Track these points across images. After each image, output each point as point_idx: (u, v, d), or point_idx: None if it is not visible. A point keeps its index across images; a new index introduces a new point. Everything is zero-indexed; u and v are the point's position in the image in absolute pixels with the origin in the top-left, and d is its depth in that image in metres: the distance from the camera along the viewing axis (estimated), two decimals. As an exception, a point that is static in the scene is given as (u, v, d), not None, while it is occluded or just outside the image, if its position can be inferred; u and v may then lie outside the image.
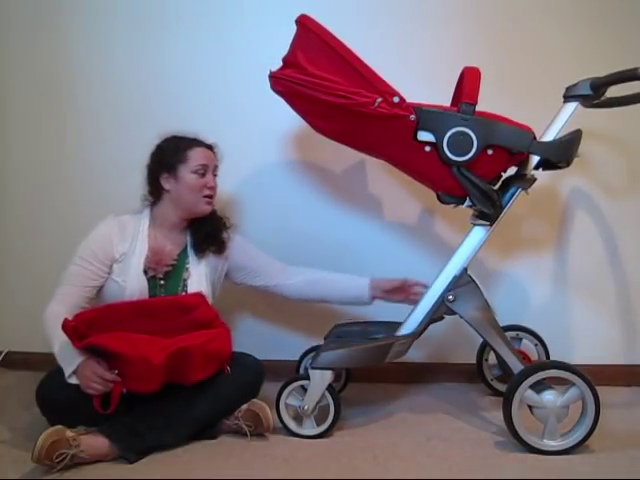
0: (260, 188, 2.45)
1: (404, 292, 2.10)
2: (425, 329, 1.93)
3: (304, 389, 1.89)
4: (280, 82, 1.79)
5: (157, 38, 2.46)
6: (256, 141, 2.42)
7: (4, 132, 2.58)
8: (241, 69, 2.42)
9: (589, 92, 1.84)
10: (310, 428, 1.90)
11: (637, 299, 2.39)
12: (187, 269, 2.04)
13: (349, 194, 2.44)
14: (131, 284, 1.94)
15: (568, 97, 1.88)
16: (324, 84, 1.69)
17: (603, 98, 1.91)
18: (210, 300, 2.03)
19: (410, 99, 1.74)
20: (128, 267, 1.96)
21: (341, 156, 2.35)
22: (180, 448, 1.81)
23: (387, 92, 1.70)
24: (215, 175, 2.07)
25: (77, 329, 1.73)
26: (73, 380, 1.75)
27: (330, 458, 1.75)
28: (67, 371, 1.75)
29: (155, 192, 2.05)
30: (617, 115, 2.01)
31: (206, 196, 2.02)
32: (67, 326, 1.72)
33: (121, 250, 1.98)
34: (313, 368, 1.87)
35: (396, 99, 1.71)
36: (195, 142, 2.04)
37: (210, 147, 2.07)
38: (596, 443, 1.75)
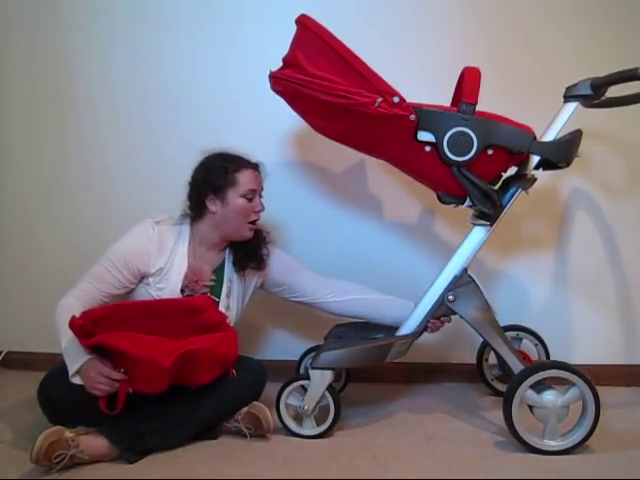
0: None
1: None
2: (425, 329, 1.94)
3: (304, 389, 1.89)
4: (280, 82, 1.79)
5: (157, 38, 2.46)
6: (256, 141, 2.40)
7: (3, 132, 2.58)
8: (241, 69, 2.42)
9: (589, 92, 1.83)
10: (310, 428, 1.90)
11: (637, 299, 2.39)
12: (229, 287, 2.03)
13: (349, 194, 2.44)
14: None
15: (568, 97, 1.88)
16: (324, 84, 1.68)
17: (603, 98, 1.90)
18: (236, 312, 2.04)
19: (410, 99, 1.74)
20: (165, 283, 1.94)
21: (341, 156, 2.35)
22: (180, 448, 1.81)
23: (387, 92, 1.70)
24: (261, 196, 2.02)
25: (84, 327, 1.72)
26: (77, 380, 1.74)
27: (330, 458, 1.75)
28: (71, 370, 1.74)
29: (198, 211, 1.99)
30: (617, 115, 2.01)
31: (251, 222, 1.98)
32: (74, 324, 1.72)
33: (158, 265, 1.93)
34: (313, 368, 1.87)
35: (396, 99, 1.71)
36: (243, 164, 1.98)
37: (257, 167, 2.02)
38: (596, 443, 1.75)
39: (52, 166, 2.56)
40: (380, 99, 1.68)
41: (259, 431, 1.87)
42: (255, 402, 1.91)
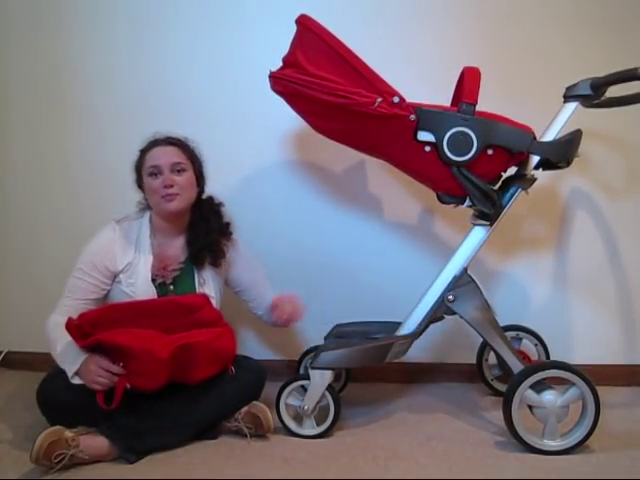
0: (260, 188, 2.45)
1: (276, 310, 2.06)
2: (425, 329, 1.93)
3: (304, 389, 1.89)
4: (280, 82, 1.79)
5: (157, 38, 2.46)
6: (256, 141, 2.42)
7: (4, 133, 2.58)
8: (241, 69, 2.42)
9: (589, 92, 1.83)
10: (310, 428, 1.90)
11: (637, 299, 2.39)
12: (200, 275, 2.02)
13: (349, 194, 2.44)
14: (140, 293, 1.92)
15: (568, 97, 1.88)
16: (324, 84, 1.69)
17: (603, 98, 1.91)
18: (216, 303, 2.03)
19: (410, 99, 1.74)
20: (136, 276, 1.95)
21: (341, 156, 2.35)
22: (180, 448, 1.81)
23: (387, 92, 1.70)
24: (178, 171, 1.97)
25: (81, 327, 1.74)
26: (76, 380, 1.74)
27: (330, 458, 1.75)
28: (70, 371, 1.75)
29: (145, 199, 2.06)
30: (617, 115, 2.01)
31: (165, 195, 1.94)
32: (71, 325, 1.73)
33: (125, 261, 1.95)
34: (313, 368, 1.87)
35: (396, 99, 1.71)
36: (153, 143, 2.01)
37: (172, 143, 2.01)
38: (596, 443, 1.75)
39: (53, 166, 2.56)
40: (380, 99, 1.68)
41: (259, 431, 1.87)
42: (255, 402, 1.91)
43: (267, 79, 1.84)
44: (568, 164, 1.87)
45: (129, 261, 1.95)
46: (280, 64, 1.84)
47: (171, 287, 1.98)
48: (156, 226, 2.03)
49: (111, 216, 2.50)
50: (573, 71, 1.91)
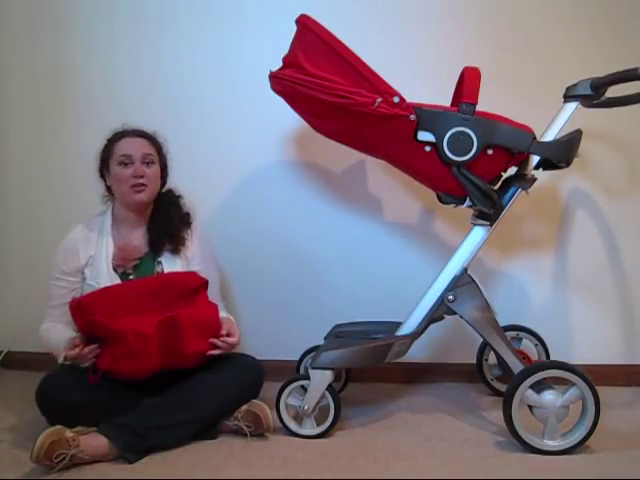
0: (260, 188, 2.45)
1: None
2: (425, 329, 1.93)
3: (304, 389, 1.89)
4: (280, 82, 1.79)
5: (157, 38, 2.46)
6: (256, 141, 2.42)
7: (5, 131, 2.58)
8: (241, 69, 2.42)
9: (589, 92, 1.84)
10: (310, 428, 1.90)
11: (637, 299, 2.39)
12: (160, 262, 2.03)
13: (349, 194, 2.44)
14: (104, 283, 1.94)
15: (568, 97, 1.88)
16: (324, 84, 1.69)
17: (603, 98, 1.91)
18: None
19: (410, 99, 1.74)
20: (98, 268, 1.98)
21: (341, 156, 2.35)
22: (180, 448, 1.81)
23: (387, 92, 1.70)
24: (148, 163, 2.01)
25: (81, 306, 1.79)
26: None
27: (330, 458, 1.75)
28: (61, 354, 1.82)
29: (107, 190, 2.09)
30: (617, 115, 2.02)
31: (134, 185, 1.98)
32: (73, 302, 1.81)
33: (88, 254, 2.00)
34: (313, 368, 1.87)
35: (396, 99, 1.71)
36: (123, 134, 2.05)
37: (142, 136, 2.06)
38: (596, 443, 1.75)
39: (54, 167, 2.56)
40: (380, 99, 1.68)
41: (259, 429, 1.87)
42: (255, 400, 1.91)
43: (267, 79, 1.84)
44: (568, 164, 1.87)
45: (91, 254, 2.00)
46: (280, 64, 1.84)
47: (131, 277, 2.00)
48: (119, 217, 2.06)
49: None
50: (573, 71, 1.91)
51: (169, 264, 2.03)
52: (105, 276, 1.96)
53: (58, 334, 1.90)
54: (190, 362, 1.86)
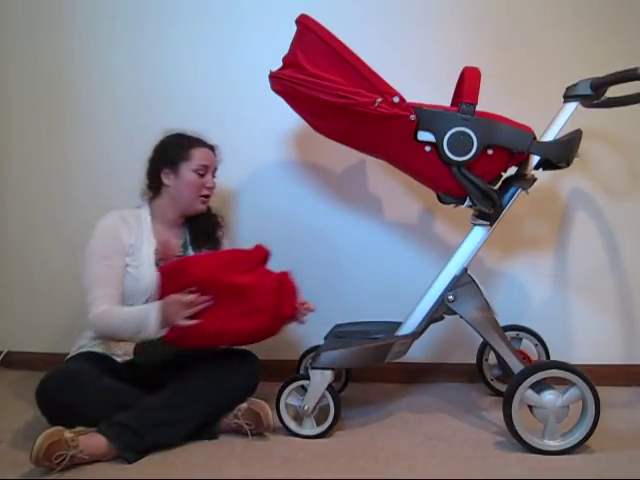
0: (260, 188, 2.46)
1: None
2: (425, 329, 1.94)
3: (304, 389, 1.89)
4: (280, 82, 1.79)
5: (157, 38, 2.47)
6: (256, 141, 2.42)
7: (4, 132, 2.58)
8: (241, 69, 2.42)
9: (589, 92, 1.84)
10: (310, 428, 1.90)
11: (637, 299, 2.39)
12: None
13: (349, 194, 2.44)
14: (144, 276, 1.94)
15: (568, 97, 1.88)
16: (324, 84, 1.69)
17: (603, 98, 1.91)
18: None
19: (410, 99, 1.74)
20: (140, 259, 1.97)
21: (341, 156, 2.35)
22: (179, 448, 1.81)
23: (387, 92, 1.70)
24: (214, 176, 2.10)
25: (189, 265, 1.82)
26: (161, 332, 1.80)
27: (330, 458, 1.75)
28: (151, 326, 1.79)
29: (154, 186, 2.08)
30: (617, 115, 2.02)
31: (203, 195, 2.06)
32: (172, 265, 1.85)
33: (129, 242, 1.98)
34: (313, 368, 1.87)
35: (396, 99, 1.71)
36: (199, 142, 2.08)
37: (212, 148, 2.11)
38: (596, 443, 1.75)
39: (53, 167, 2.56)
40: (380, 99, 1.68)
41: (259, 428, 1.87)
42: (255, 399, 1.91)
43: (267, 79, 1.84)
44: (568, 164, 1.87)
45: (132, 243, 1.99)
46: (280, 64, 1.84)
47: None
48: (160, 216, 2.08)
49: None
50: (573, 71, 1.91)
51: None
52: (146, 269, 1.96)
53: (128, 311, 1.87)
54: (277, 329, 1.87)
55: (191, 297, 1.76)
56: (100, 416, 1.75)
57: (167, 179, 2.04)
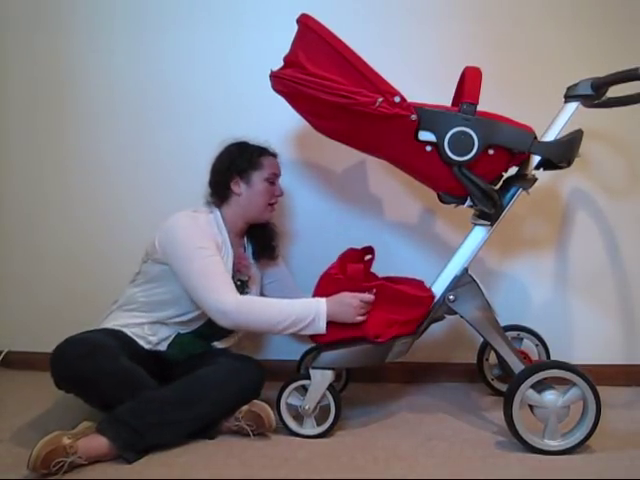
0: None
1: None
2: (426, 329, 1.93)
3: (305, 389, 1.89)
4: (281, 82, 1.79)
5: (156, 39, 2.47)
6: (257, 141, 2.41)
7: (2, 132, 2.58)
8: (242, 69, 2.42)
9: (590, 92, 1.83)
10: (311, 428, 1.90)
11: (637, 299, 2.39)
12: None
13: (350, 194, 2.44)
14: None
15: (569, 97, 1.88)
16: (325, 84, 1.68)
17: (604, 98, 1.90)
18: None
19: (411, 99, 1.74)
20: (225, 262, 1.99)
21: (342, 156, 2.35)
22: (179, 448, 1.81)
23: (388, 92, 1.70)
24: (279, 185, 2.15)
25: (357, 274, 1.89)
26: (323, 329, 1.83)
27: (330, 458, 1.75)
28: (322, 321, 1.82)
29: (222, 195, 2.08)
30: (618, 115, 2.02)
31: (272, 204, 2.11)
32: (353, 269, 1.90)
33: (216, 240, 1.99)
34: (314, 368, 1.86)
35: (397, 99, 1.71)
36: (266, 151, 2.12)
37: (276, 156, 2.16)
38: (596, 443, 1.75)
39: (51, 166, 2.57)
40: (381, 99, 1.68)
41: (260, 429, 1.87)
42: (256, 400, 1.91)
43: (268, 78, 1.84)
44: (569, 164, 1.87)
45: (217, 242, 2.00)
46: (281, 63, 1.84)
47: (247, 284, 2.13)
48: (230, 224, 2.09)
49: (107, 217, 2.51)
50: (574, 71, 1.91)
51: (255, 272, 2.20)
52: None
53: (287, 302, 1.86)
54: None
55: (371, 297, 1.82)
56: (110, 394, 1.77)
57: (237, 187, 2.06)
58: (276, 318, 1.82)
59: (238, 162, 2.06)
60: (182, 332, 2.02)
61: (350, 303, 1.81)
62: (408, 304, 1.86)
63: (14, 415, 2.08)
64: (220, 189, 2.08)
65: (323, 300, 1.83)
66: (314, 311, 1.82)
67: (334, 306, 1.82)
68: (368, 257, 2.04)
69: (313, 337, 1.88)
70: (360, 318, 1.82)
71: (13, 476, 1.64)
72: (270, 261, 2.22)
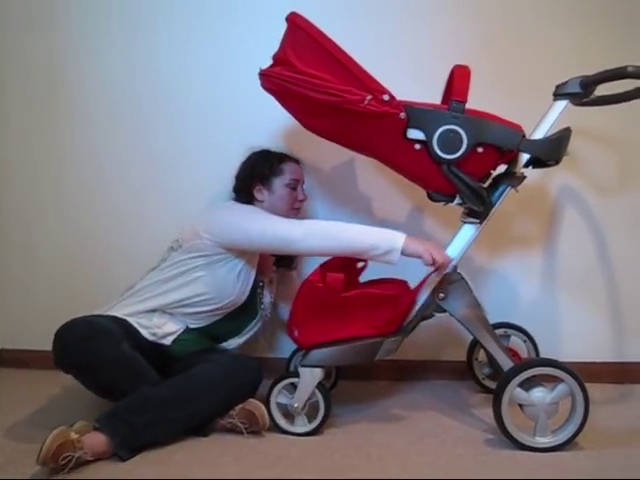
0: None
1: None
2: (415, 327, 1.94)
3: (294, 386, 1.89)
4: (270, 80, 1.79)
5: (151, 38, 2.46)
6: (248, 139, 2.40)
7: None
8: (233, 68, 2.42)
9: (579, 90, 1.83)
10: (302, 425, 1.90)
11: (626, 296, 2.41)
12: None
13: (339, 192, 2.45)
14: (248, 282, 2.07)
15: (558, 95, 1.88)
16: (314, 82, 1.68)
17: (593, 96, 1.91)
18: (269, 301, 2.23)
19: (403, 96, 1.74)
20: None
21: (331, 154, 2.36)
22: (174, 445, 1.80)
23: (377, 90, 1.70)
24: (302, 189, 2.19)
25: (338, 283, 1.85)
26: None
27: (323, 456, 1.75)
28: (401, 243, 1.82)
29: (247, 202, 2.12)
30: (607, 113, 2.02)
31: (294, 208, 2.15)
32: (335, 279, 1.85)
33: None
34: (303, 366, 1.87)
35: (386, 97, 1.71)
36: (286, 157, 2.17)
37: (298, 162, 2.20)
38: (587, 441, 1.76)
39: (46, 166, 2.55)
40: (370, 97, 1.68)
41: (254, 427, 1.86)
42: (250, 399, 1.91)
43: (257, 77, 1.83)
44: (557, 162, 1.87)
45: None
46: (270, 62, 1.84)
47: (265, 287, 2.20)
48: None
49: (103, 217, 2.50)
50: (568, 68, 1.90)
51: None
52: (252, 279, 2.08)
53: (359, 226, 1.90)
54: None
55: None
56: (108, 380, 1.80)
57: (260, 195, 2.12)
58: (358, 239, 1.85)
59: (259, 169, 2.11)
60: (192, 327, 2.04)
61: (420, 242, 1.84)
62: (387, 305, 1.87)
63: (8, 414, 2.06)
64: (244, 196, 2.13)
65: (403, 236, 1.84)
66: (391, 233, 1.85)
67: (412, 239, 1.85)
68: (361, 264, 2.02)
69: (297, 341, 1.92)
70: (428, 255, 1.81)
71: (10, 476, 1.62)
72: (287, 271, 2.31)
